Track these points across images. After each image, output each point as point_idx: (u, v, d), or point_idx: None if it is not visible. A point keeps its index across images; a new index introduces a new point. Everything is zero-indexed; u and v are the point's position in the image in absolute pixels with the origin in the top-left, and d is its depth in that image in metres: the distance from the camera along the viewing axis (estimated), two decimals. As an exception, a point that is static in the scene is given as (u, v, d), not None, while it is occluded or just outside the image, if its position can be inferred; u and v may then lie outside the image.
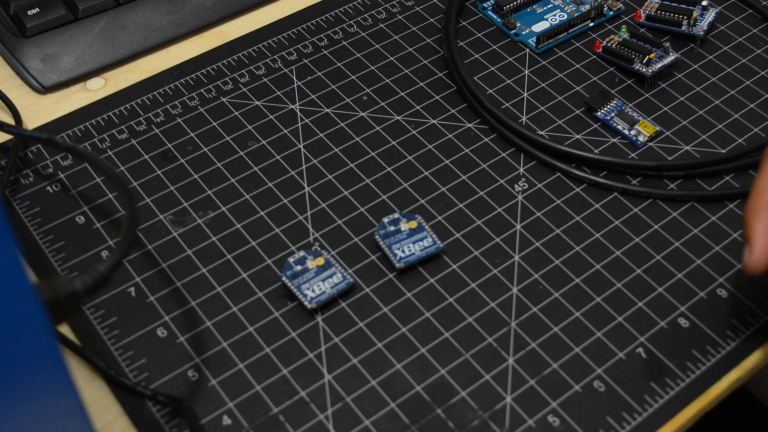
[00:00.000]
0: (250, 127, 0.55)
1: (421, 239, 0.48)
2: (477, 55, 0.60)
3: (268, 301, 0.47)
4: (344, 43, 0.61)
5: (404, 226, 0.49)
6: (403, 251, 0.48)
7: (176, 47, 0.61)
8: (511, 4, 0.62)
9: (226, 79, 0.58)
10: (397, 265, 0.47)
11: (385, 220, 0.49)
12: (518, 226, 0.51)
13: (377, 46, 0.61)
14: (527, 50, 0.61)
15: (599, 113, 0.56)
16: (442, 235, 0.50)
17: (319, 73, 0.59)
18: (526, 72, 0.59)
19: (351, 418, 0.43)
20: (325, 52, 0.60)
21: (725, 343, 0.46)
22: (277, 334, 0.46)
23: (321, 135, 0.55)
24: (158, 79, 0.58)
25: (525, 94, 0.58)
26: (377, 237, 0.48)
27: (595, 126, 0.56)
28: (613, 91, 0.58)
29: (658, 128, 0.55)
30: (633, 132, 0.55)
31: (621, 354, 0.45)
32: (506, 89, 0.58)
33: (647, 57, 0.57)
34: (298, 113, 0.56)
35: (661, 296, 0.48)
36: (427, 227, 0.49)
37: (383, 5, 0.64)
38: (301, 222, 0.51)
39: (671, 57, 0.58)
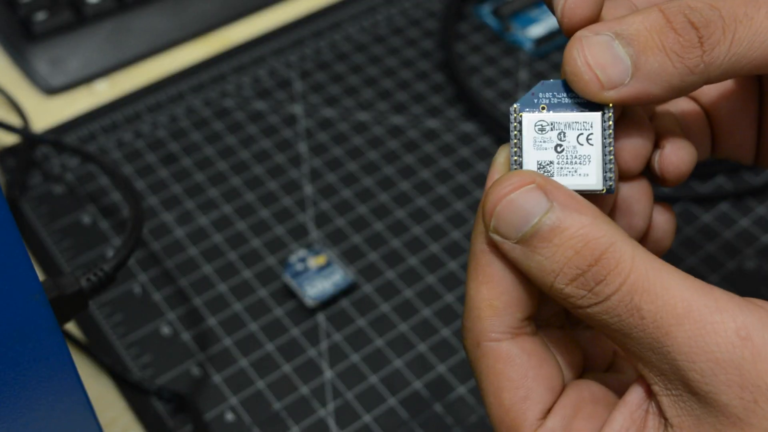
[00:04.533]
0: (252, 129, 0.56)
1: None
2: (474, 59, 0.61)
3: (270, 300, 0.48)
4: (345, 46, 0.62)
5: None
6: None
7: (181, 51, 0.61)
8: (509, 8, 0.63)
9: (229, 82, 0.59)
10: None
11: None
12: (516, 226, 0.51)
13: (377, 49, 0.62)
14: (524, 53, 0.61)
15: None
16: (441, 234, 0.51)
17: (320, 76, 0.60)
18: (523, 75, 0.60)
19: (351, 414, 0.44)
20: (326, 55, 0.61)
21: (719, 341, 0.46)
22: (279, 331, 0.47)
23: (322, 136, 0.56)
24: (163, 82, 0.59)
25: (523, 96, 0.58)
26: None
27: (593, 127, 0.56)
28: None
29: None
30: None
31: (616, 351, 0.46)
32: (503, 92, 0.59)
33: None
34: (300, 115, 0.57)
35: (656, 295, 0.48)
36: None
37: (383, 9, 0.64)
38: (302, 221, 0.51)
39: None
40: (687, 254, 0.50)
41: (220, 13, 0.63)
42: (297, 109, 0.58)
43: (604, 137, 0.29)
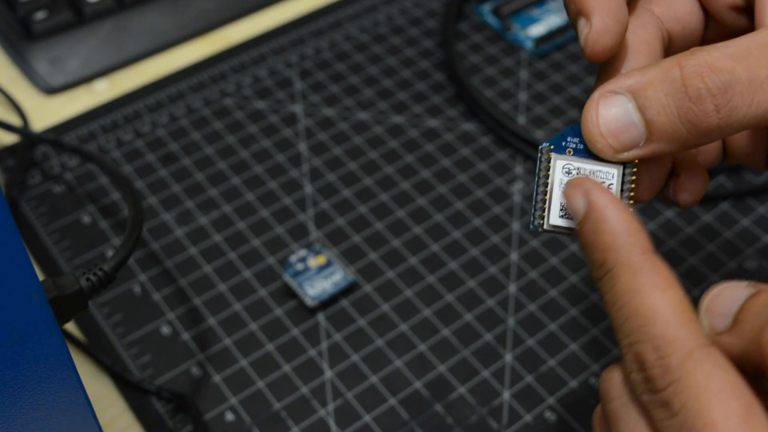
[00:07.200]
0: (252, 128, 0.56)
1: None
2: (475, 58, 0.61)
3: (270, 299, 0.48)
4: (345, 45, 0.62)
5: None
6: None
7: (181, 50, 0.61)
8: (509, 7, 0.63)
9: (229, 81, 0.59)
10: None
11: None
12: (515, 226, 0.51)
13: (377, 48, 0.62)
14: (525, 53, 0.61)
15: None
16: (441, 234, 0.51)
17: (320, 76, 0.60)
18: (524, 74, 0.60)
19: (351, 414, 0.44)
20: (326, 54, 0.61)
21: (719, 340, 0.46)
22: (279, 331, 0.47)
23: (322, 136, 0.56)
24: (163, 81, 0.59)
25: (523, 97, 0.58)
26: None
27: (593, 127, 0.56)
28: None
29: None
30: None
31: (616, 351, 0.46)
32: (504, 91, 0.59)
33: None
34: (300, 115, 0.57)
35: (656, 295, 0.48)
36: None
37: (383, 9, 0.64)
38: (302, 221, 0.51)
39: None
40: (687, 254, 0.50)
41: (220, 12, 0.63)
42: (297, 108, 0.58)
43: (623, 189, 0.31)
